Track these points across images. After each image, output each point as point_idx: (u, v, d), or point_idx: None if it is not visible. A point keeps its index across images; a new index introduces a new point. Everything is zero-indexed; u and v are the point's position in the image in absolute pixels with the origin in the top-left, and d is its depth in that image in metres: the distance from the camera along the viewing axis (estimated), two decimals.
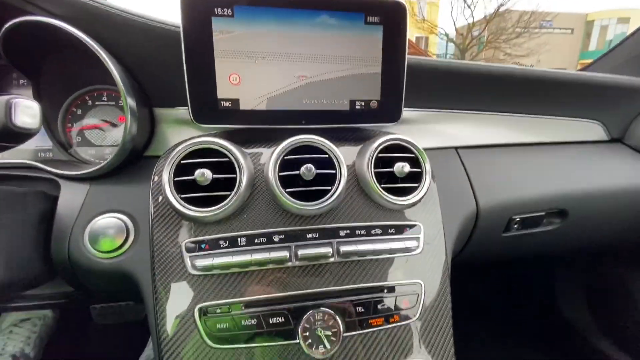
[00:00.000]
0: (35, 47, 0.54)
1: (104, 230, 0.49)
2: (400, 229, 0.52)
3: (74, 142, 0.60)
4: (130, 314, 0.94)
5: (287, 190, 0.47)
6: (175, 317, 0.46)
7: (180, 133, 0.57)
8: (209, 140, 0.46)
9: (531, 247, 0.77)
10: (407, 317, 0.49)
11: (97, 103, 0.62)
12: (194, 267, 0.46)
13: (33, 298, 0.63)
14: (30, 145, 0.59)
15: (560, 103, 0.74)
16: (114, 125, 0.62)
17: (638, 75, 0.79)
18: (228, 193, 0.46)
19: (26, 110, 0.38)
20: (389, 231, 0.52)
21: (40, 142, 0.60)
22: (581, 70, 0.95)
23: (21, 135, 0.39)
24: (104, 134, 0.62)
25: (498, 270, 1.36)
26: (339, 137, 0.54)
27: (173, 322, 0.46)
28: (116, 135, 0.62)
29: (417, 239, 0.52)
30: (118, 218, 0.50)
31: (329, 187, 0.48)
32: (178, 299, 0.46)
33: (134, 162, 0.55)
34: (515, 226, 0.69)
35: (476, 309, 1.29)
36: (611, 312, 1.07)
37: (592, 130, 0.79)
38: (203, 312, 0.45)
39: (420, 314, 0.50)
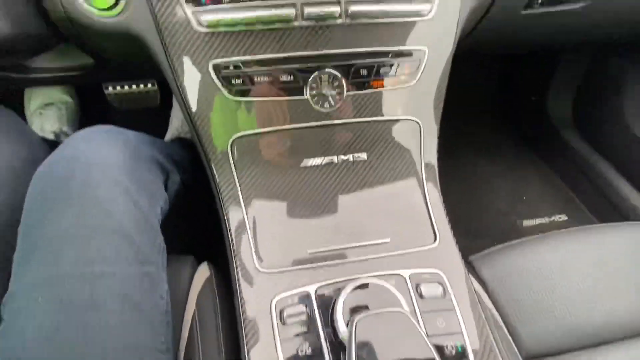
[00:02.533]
0: None
1: None
2: None
3: None
4: (145, 99, 1.01)
5: None
6: (198, 86, 0.49)
7: None
8: None
9: (548, 31, 0.74)
10: (405, 82, 0.53)
11: None
12: (199, 23, 0.45)
13: (48, 70, 0.65)
14: None
15: None
16: None
17: None
18: None
19: None
20: None
21: None
22: None
23: None
24: None
25: (500, 64, 1.37)
26: None
27: (195, 91, 0.49)
28: None
29: (431, 1, 0.49)
30: None
31: None
32: (192, 57, 0.47)
33: None
34: (539, 1, 0.63)
35: (472, 94, 1.37)
36: (591, 110, 1.14)
37: None
38: (217, 69, 0.48)
39: (418, 80, 0.53)
